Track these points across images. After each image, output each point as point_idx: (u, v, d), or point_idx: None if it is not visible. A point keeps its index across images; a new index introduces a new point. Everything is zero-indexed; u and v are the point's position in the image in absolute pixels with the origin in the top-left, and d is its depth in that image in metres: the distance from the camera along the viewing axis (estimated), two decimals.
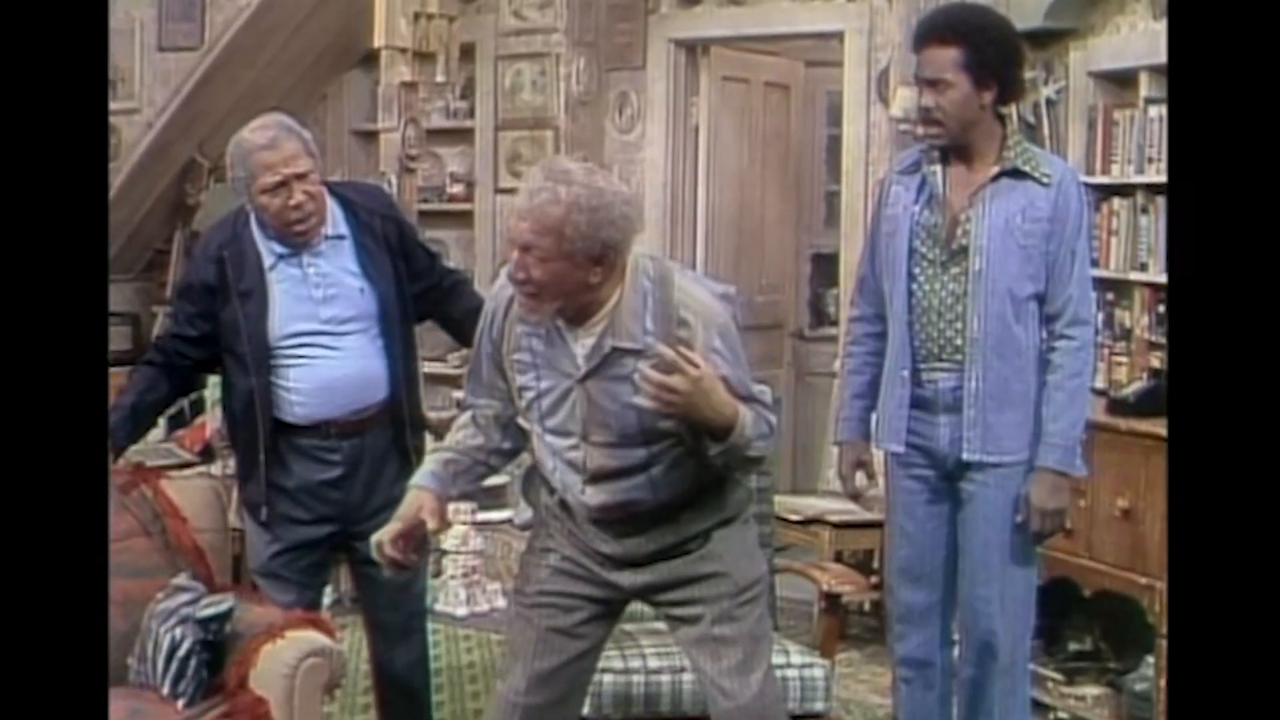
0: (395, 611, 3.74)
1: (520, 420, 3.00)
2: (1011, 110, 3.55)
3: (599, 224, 2.72)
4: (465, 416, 3.10)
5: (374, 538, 2.99)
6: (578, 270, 2.75)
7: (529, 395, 2.92)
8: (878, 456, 3.74)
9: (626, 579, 3.00)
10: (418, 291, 3.68)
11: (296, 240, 3.51)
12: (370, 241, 3.59)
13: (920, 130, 3.57)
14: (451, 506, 5.99)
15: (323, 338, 3.52)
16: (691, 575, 2.97)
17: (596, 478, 2.89)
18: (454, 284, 3.82)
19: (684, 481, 2.92)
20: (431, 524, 3.00)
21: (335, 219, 3.57)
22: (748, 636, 2.98)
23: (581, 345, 2.84)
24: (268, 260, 3.52)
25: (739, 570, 3.00)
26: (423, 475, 3.06)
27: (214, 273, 3.54)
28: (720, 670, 2.95)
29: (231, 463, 4.89)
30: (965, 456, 3.44)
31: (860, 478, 3.70)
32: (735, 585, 2.98)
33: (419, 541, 3.04)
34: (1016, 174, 3.41)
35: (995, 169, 3.42)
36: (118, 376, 5.93)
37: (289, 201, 3.44)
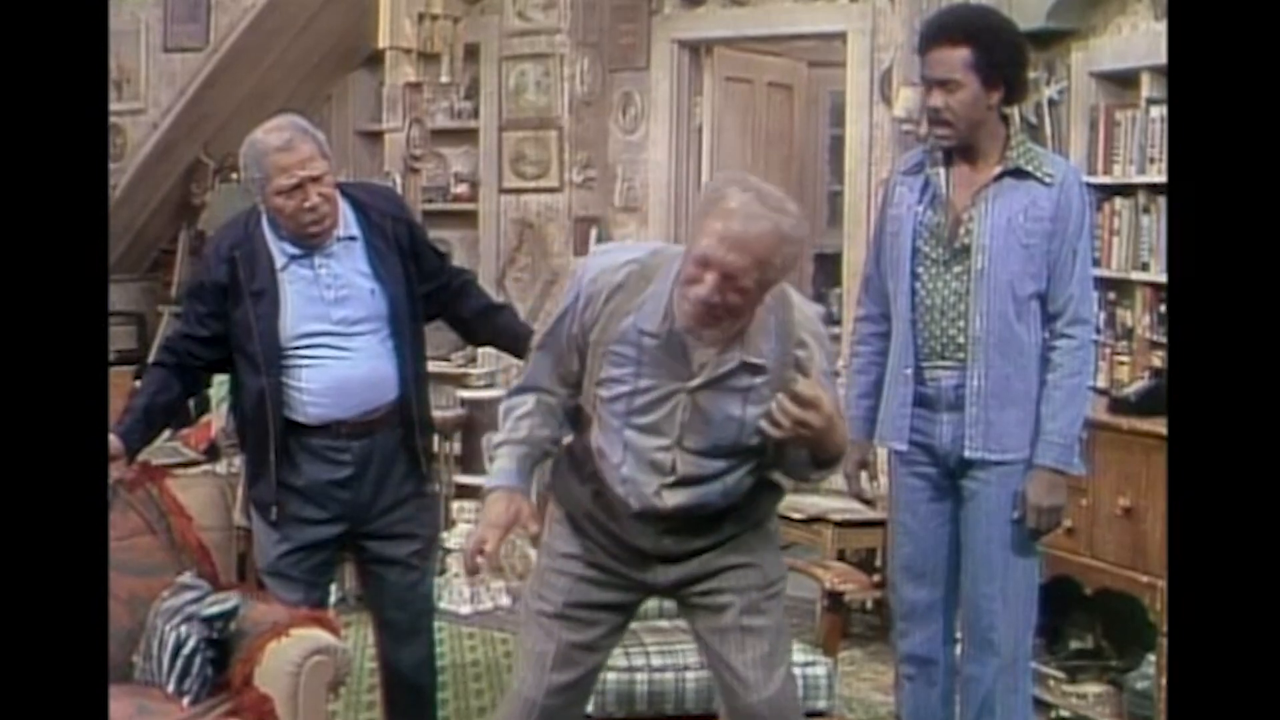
0: (403, 610, 3.75)
1: (584, 407, 2.91)
2: (1014, 110, 3.55)
3: (799, 255, 2.72)
4: (529, 403, 2.96)
5: (472, 548, 2.85)
6: (762, 294, 2.72)
7: (619, 389, 2.82)
8: (880, 455, 3.75)
9: (660, 575, 2.96)
10: (427, 292, 3.69)
11: (310, 242, 3.52)
12: (381, 243, 3.60)
13: (925, 131, 3.58)
14: (455, 504, 6.06)
15: (334, 339, 3.53)
16: (721, 566, 2.95)
17: (680, 482, 2.86)
18: (463, 284, 3.83)
19: (745, 487, 2.92)
20: (534, 528, 2.93)
21: (347, 220, 3.58)
22: (774, 630, 2.96)
23: (702, 354, 2.77)
24: (279, 261, 3.53)
25: (767, 564, 2.99)
26: (506, 475, 2.93)
27: (226, 273, 3.54)
28: (746, 661, 2.92)
29: (236, 461, 4.91)
30: (967, 454, 3.45)
31: (864, 478, 3.72)
32: (764, 578, 2.96)
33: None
34: (1019, 173, 3.42)
35: (998, 168, 3.43)
36: (123, 375, 5.99)
37: (304, 204, 3.45)
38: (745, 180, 2.75)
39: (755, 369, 2.77)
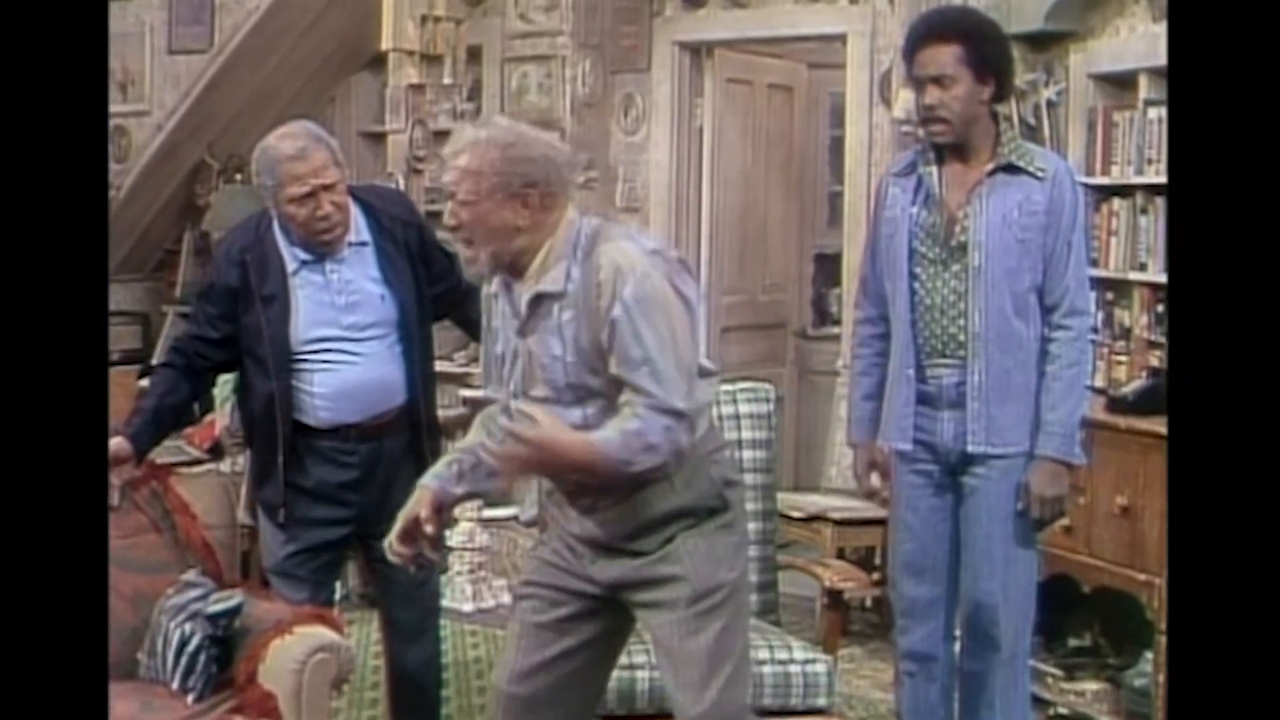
0: (410, 609, 3.75)
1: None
2: (1005, 108, 3.58)
3: (514, 159, 2.78)
4: (479, 416, 3.10)
5: (386, 540, 2.99)
6: (500, 209, 2.79)
7: (504, 369, 2.93)
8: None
9: (597, 571, 2.92)
10: (437, 294, 3.69)
11: (322, 248, 3.52)
12: (391, 248, 3.60)
13: (922, 130, 3.60)
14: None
15: (344, 343, 3.53)
16: (651, 577, 2.87)
17: None
18: (471, 285, 3.84)
19: None
20: (426, 521, 2.97)
21: (358, 225, 3.58)
22: (704, 652, 2.83)
23: (522, 300, 2.85)
24: (290, 266, 3.53)
25: (698, 576, 2.84)
26: (428, 475, 3.06)
27: (237, 276, 3.54)
28: (675, 685, 2.87)
29: (240, 460, 4.92)
30: (970, 449, 3.47)
31: (875, 478, 3.71)
32: (693, 591, 2.82)
33: (437, 539, 3.00)
34: (1011, 169, 3.45)
35: (990, 165, 3.45)
36: (128, 375, 6.01)
37: (317, 212, 3.45)
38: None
39: (552, 296, 2.81)
